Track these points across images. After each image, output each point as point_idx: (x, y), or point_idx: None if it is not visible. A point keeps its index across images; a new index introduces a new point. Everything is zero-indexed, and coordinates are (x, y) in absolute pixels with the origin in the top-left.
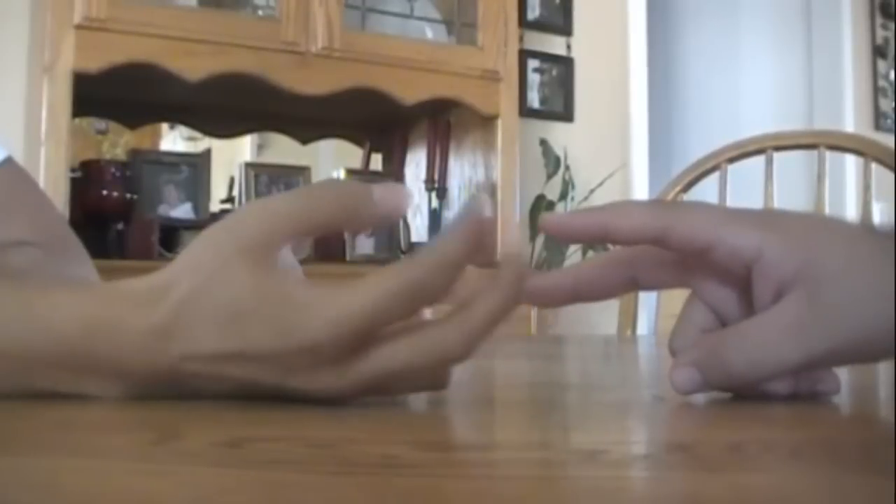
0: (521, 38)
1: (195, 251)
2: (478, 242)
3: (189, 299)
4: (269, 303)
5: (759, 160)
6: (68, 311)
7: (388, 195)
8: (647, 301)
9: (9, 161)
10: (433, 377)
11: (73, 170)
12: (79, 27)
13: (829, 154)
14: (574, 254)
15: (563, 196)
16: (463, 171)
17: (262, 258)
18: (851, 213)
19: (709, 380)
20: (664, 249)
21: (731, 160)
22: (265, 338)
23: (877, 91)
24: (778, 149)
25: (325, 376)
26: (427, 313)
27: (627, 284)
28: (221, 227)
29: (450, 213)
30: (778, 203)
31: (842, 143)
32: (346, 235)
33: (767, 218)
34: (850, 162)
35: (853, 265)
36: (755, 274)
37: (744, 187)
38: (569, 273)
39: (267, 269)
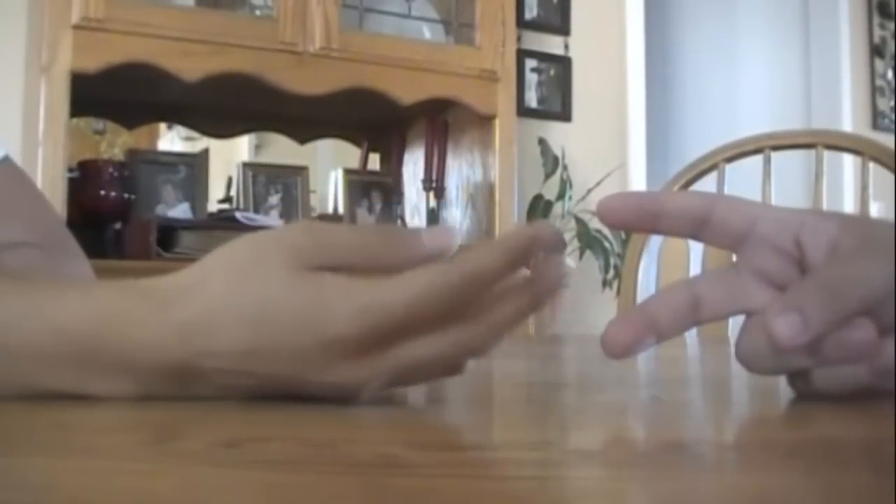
0: (518, 38)
1: (233, 251)
2: (522, 261)
3: (222, 296)
4: (297, 297)
5: (757, 160)
6: (80, 309)
7: (437, 237)
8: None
9: (6, 161)
10: (450, 366)
11: (70, 170)
12: (76, 27)
13: (826, 153)
14: (571, 253)
15: (561, 196)
16: (461, 170)
17: (301, 264)
18: (849, 212)
19: (817, 317)
20: (705, 235)
21: (729, 160)
22: (289, 331)
23: (874, 90)
24: (776, 148)
25: (345, 370)
26: None
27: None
28: (265, 233)
29: (447, 213)
30: (776, 203)
31: (840, 143)
32: None
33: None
34: (848, 161)
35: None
36: (805, 238)
37: (741, 187)
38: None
39: (304, 271)
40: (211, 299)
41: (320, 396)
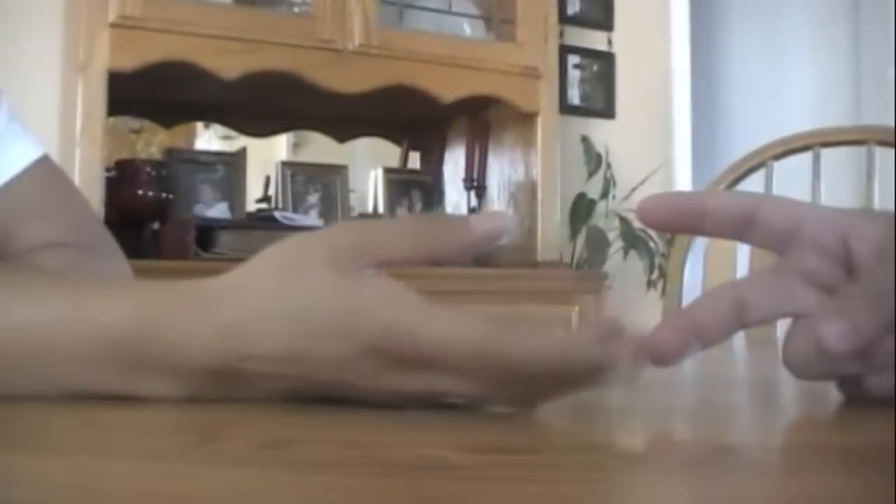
0: (560, 34)
1: (278, 252)
2: (608, 366)
3: (265, 299)
4: (342, 301)
5: (806, 157)
6: (125, 311)
7: (486, 222)
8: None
9: (44, 159)
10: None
11: (107, 169)
12: (113, 25)
13: (878, 150)
14: (615, 253)
15: (605, 194)
16: (502, 169)
17: (348, 265)
18: None
19: (866, 323)
20: (749, 236)
21: (777, 157)
22: (332, 338)
23: None
24: (825, 145)
25: (385, 380)
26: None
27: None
28: (312, 234)
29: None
30: (826, 202)
31: (892, 139)
32: None
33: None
34: None
35: None
36: (852, 239)
37: (790, 185)
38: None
39: (351, 273)
40: (254, 302)
41: (364, 402)
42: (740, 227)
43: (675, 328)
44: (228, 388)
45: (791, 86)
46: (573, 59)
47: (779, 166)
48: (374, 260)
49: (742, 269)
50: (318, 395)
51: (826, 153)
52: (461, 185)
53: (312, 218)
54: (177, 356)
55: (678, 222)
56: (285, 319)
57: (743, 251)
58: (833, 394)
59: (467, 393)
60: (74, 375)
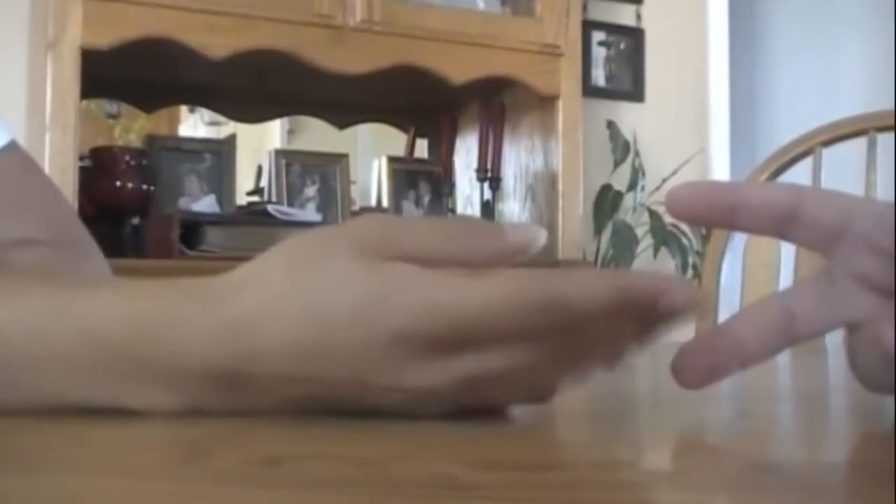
0: (584, 8)
1: (293, 245)
2: (635, 311)
3: (276, 292)
4: (360, 287)
5: (859, 143)
6: (115, 310)
7: (521, 233)
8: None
9: (13, 147)
10: (535, 387)
11: (82, 158)
12: None
13: None
14: (644, 251)
15: (633, 186)
16: (519, 158)
17: (368, 255)
18: None
19: None
20: (792, 233)
21: (826, 143)
22: (349, 327)
23: None
24: (881, 130)
25: (412, 373)
26: None
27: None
28: (332, 227)
29: (504, 206)
30: (881, 193)
31: None
32: None
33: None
34: None
35: None
36: None
37: (841, 176)
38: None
39: (370, 260)
40: (264, 296)
41: (384, 408)
42: (781, 222)
43: (709, 347)
44: (231, 396)
45: (843, 65)
46: (598, 36)
47: (828, 154)
48: (398, 255)
49: (787, 270)
50: (330, 403)
51: (882, 139)
52: (473, 176)
53: (309, 212)
54: (174, 360)
55: (711, 214)
56: (297, 312)
57: (787, 250)
58: (888, 407)
59: (521, 365)
60: (58, 385)
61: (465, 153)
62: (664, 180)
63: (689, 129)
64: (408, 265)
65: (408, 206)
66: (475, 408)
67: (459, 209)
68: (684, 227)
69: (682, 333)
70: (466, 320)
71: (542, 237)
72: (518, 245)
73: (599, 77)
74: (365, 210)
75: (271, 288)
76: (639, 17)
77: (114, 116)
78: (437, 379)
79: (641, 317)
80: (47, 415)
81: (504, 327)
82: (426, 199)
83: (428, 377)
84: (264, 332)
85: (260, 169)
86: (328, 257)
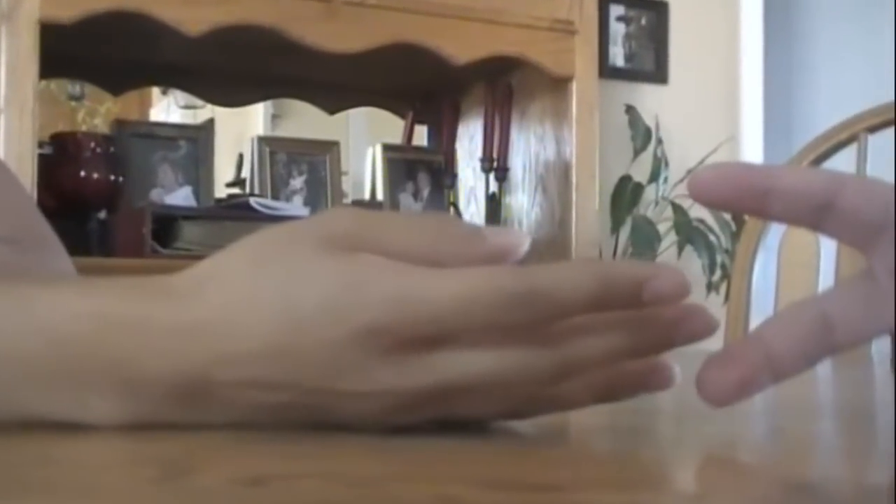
0: None
1: (259, 239)
2: (619, 303)
3: (242, 290)
4: (327, 281)
5: None
6: (77, 310)
7: (503, 237)
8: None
9: None
10: (515, 402)
11: (41, 145)
12: None
13: None
14: (667, 249)
15: (655, 177)
16: (528, 146)
17: (337, 248)
18: None
19: None
20: (827, 224)
21: (872, 129)
22: (318, 324)
23: None
24: None
25: (384, 374)
26: None
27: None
28: (299, 221)
29: (512, 199)
30: None
31: None
32: None
33: None
34: None
35: None
36: None
37: (887, 164)
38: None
39: (337, 252)
40: (229, 295)
41: (358, 422)
42: (816, 212)
43: (737, 359)
44: (194, 408)
45: (890, 43)
46: (617, 10)
47: (874, 141)
48: (369, 251)
49: (827, 272)
50: (306, 414)
51: None
52: (478, 166)
53: (296, 206)
54: (137, 364)
55: (740, 200)
56: (264, 311)
57: (828, 248)
58: None
59: (501, 371)
60: (15, 394)
61: (469, 141)
62: (689, 171)
63: (718, 115)
64: (373, 256)
65: (405, 198)
66: (452, 421)
67: (462, 203)
68: (711, 222)
69: (710, 343)
70: (440, 313)
71: (525, 243)
72: (498, 251)
73: (618, 56)
74: (357, 204)
75: (237, 286)
76: None
77: (77, 98)
78: (411, 382)
79: (636, 325)
80: (6, 430)
81: (481, 322)
82: (425, 191)
83: (403, 379)
84: (228, 333)
85: (241, 158)
86: (295, 252)
